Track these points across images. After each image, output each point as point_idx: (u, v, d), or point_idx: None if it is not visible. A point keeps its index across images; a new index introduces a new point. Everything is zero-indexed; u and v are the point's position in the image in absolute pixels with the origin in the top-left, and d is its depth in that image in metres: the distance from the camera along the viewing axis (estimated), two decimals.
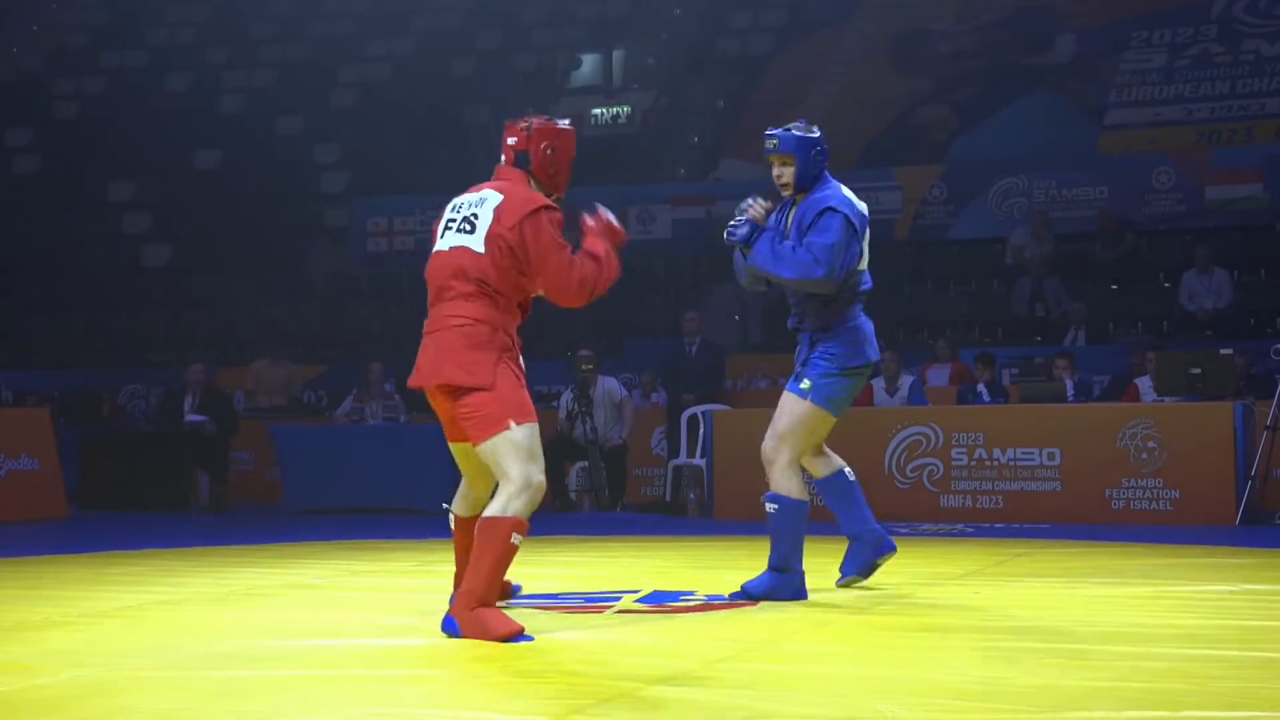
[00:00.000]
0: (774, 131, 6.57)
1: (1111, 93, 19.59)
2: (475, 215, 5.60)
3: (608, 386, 14.07)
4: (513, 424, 5.40)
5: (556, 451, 13.16)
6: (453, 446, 5.78)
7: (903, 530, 10.73)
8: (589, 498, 13.78)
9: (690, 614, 6.10)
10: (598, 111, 22.00)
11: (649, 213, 19.16)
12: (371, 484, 13.32)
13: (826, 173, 6.55)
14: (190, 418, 14.64)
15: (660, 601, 6.41)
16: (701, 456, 13.05)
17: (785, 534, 6.39)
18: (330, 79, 24.07)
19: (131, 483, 14.17)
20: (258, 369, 16.90)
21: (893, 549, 6.79)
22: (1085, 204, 17.74)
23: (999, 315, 16.96)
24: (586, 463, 13.82)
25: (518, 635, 5.25)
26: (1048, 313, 16.32)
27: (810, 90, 21.12)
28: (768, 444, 6.52)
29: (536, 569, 8.07)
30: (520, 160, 5.74)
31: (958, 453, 11.97)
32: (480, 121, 22.14)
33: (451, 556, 5.94)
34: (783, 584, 6.37)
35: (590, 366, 13.99)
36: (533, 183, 5.74)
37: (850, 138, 19.59)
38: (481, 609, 5.33)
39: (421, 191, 20.22)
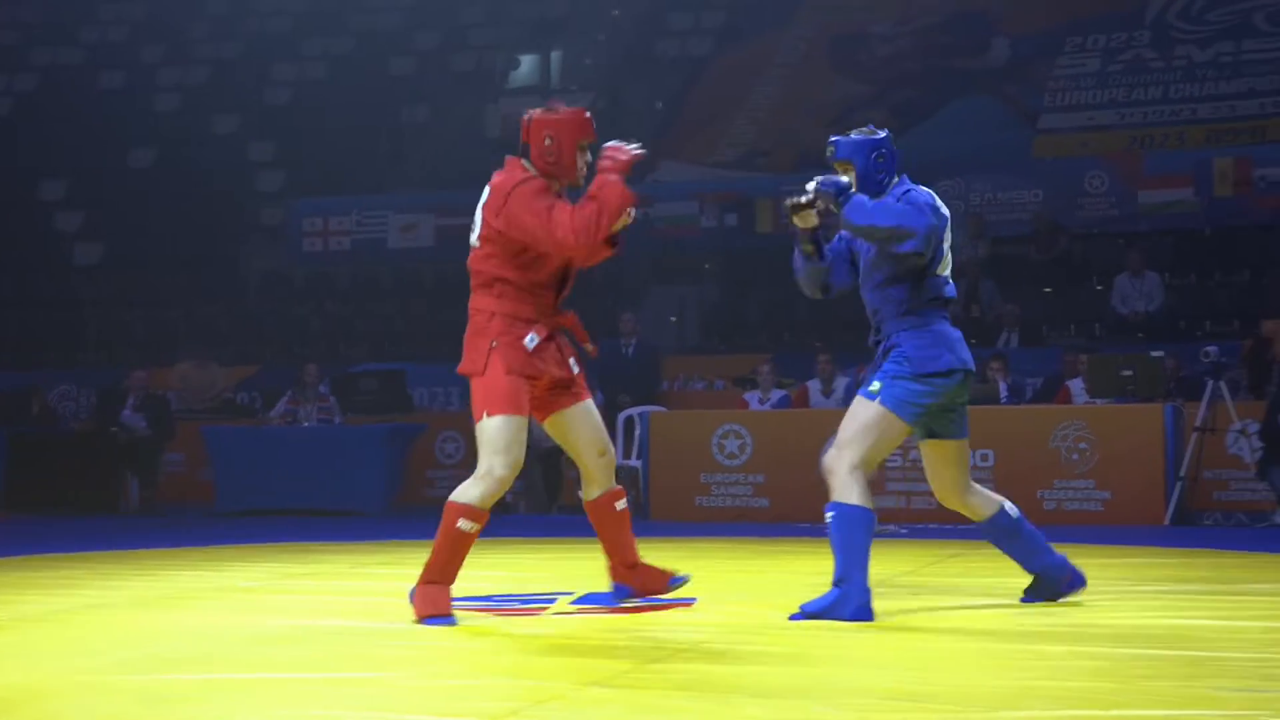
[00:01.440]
0: (833, 138, 6.14)
1: (1045, 97, 19.76)
2: (475, 215, 5.93)
3: None
4: (485, 415, 5.78)
5: None
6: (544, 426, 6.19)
7: None
8: (524, 500, 13.73)
9: (625, 615, 6.09)
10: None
11: None
12: (305, 486, 13.24)
13: (905, 177, 6.07)
14: (125, 416, 14.50)
15: (595, 603, 6.40)
16: (638, 458, 13.05)
17: (844, 545, 5.81)
18: (265, 77, 23.89)
19: (61, 484, 14.03)
20: (182, 371, 16.74)
21: (1082, 584, 6.33)
22: (1020, 207, 17.87)
23: None
24: None
25: (437, 618, 5.64)
26: (982, 314, 16.40)
27: (750, 92, 21.18)
28: (829, 453, 5.98)
29: (472, 570, 8.03)
30: (524, 154, 5.93)
31: (892, 453, 11.99)
32: (417, 121, 22.05)
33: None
34: (841, 600, 5.76)
35: None
36: (534, 172, 5.87)
37: (789, 140, 19.65)
38: (425, 585, 5.72)
39: (358, 191, 20.09)
